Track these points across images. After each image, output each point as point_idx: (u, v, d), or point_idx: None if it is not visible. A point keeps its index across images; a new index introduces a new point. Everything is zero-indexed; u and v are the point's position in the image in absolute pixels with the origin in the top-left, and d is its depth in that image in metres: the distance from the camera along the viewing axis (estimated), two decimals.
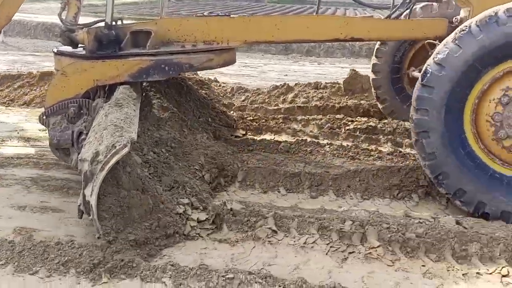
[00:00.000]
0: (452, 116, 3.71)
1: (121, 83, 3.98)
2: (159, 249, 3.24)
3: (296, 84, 7.43)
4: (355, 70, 7.01)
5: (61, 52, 4.40)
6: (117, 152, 2.99)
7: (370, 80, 6.16)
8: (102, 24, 4.29)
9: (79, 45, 4.37)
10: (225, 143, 4.98)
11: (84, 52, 4.23)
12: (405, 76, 5.92)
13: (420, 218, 3.71)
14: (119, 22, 4.38)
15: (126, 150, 3.02)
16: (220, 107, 5.93)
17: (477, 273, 3.14)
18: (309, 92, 6.93)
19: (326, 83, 7.24)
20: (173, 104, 5.00)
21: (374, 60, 6.01)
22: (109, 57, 4.15)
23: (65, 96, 4.02)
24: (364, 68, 11.31)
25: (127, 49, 4.25)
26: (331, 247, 3.39)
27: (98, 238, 3.10)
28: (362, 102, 6.51)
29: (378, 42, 6.00)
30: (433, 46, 3.99)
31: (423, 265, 3.22)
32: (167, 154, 4.13)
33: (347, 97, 6.74)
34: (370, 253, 3.31)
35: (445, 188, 3.81)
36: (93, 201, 2.93)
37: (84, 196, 3.03)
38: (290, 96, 7.02)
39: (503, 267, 3.17)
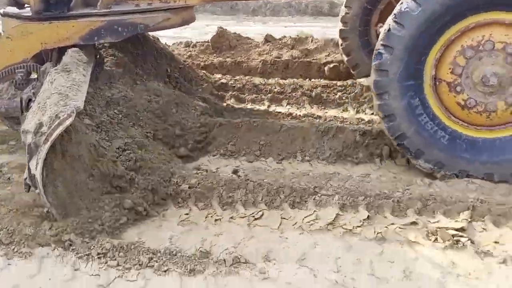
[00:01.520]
0: (412, 76, 3.60)
1: (72, 46, 3.82)
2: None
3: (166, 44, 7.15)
4: (222, 28, 6.92)
5: (7, 14, 4.17)
6: (61, 123, 2.93)
7: (339, 46, 6.01)
8: None
9: (25, 6, 4.14)
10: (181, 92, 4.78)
11: (30, 14, 4.01)
12: (375, 36, 5.68)
13: (206, 170, 3.73)
14: None
15: (70, 120, 2.96)
16: (182, 59, 5.73)
17: (231, 217, 3.23)
18: (180, 51, 6.76)
19: (196, 41, 7.12)
20: (129, 57, 4.83)
21: (340, 26, 5.84)
22: (57, 18, 3.94)
23: (11, 61, 3.86)
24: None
25: (76, 9, 4.06)
26: None
27: (47, 212, 3.08)
28: (227, 59, 6.50)
29: (342, 8, 5.83)
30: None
31: (186, 214, 3.28)
32: (120, 116, 4.05)
33: (214, 55, 6.70)
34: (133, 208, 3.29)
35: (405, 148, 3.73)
36: (38, 174, 2.89)
37: (29, 169, 2.99)
38: None
39: (260, 210, 3.27)
